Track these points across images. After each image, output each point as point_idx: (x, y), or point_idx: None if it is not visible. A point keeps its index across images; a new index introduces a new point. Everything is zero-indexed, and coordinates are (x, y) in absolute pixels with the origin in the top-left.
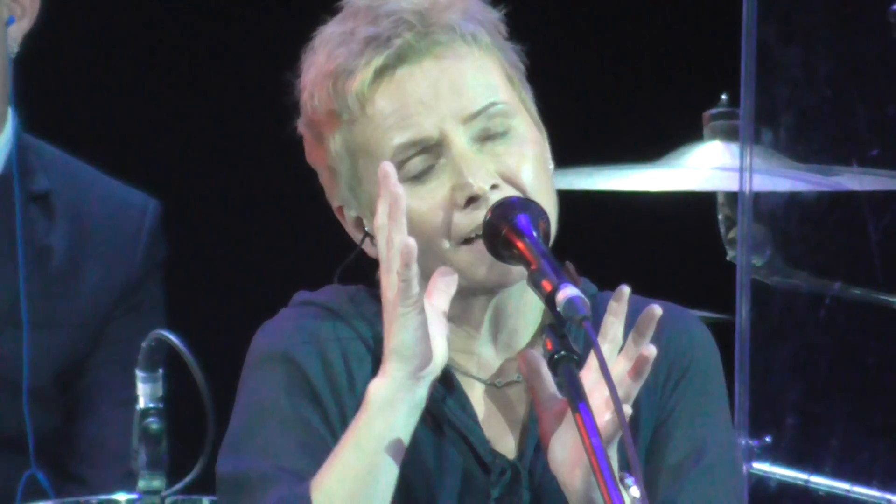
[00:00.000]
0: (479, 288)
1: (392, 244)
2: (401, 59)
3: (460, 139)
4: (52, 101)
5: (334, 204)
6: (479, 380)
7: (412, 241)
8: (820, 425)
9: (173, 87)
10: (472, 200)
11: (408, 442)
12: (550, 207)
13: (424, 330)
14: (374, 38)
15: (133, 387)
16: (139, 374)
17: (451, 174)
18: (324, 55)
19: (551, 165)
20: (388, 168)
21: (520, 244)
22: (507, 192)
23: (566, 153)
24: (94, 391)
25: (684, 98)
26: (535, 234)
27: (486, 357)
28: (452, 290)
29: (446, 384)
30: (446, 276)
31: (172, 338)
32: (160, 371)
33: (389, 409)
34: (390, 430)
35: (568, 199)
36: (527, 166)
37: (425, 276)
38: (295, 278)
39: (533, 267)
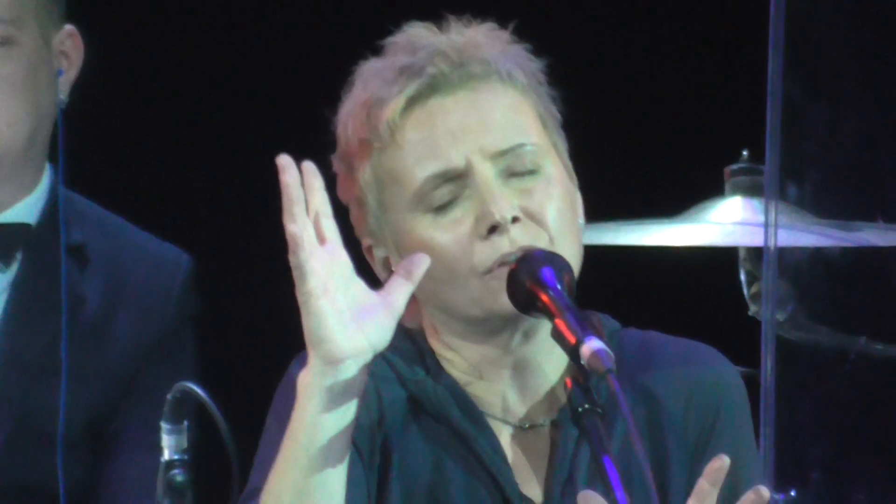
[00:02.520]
0: (500, 318)
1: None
2: (433, 88)
3: (486, 171)
4: (85, 155)
5: (364, 243)
6: (504, 422)
7: (296, 229)
8: (846, 480)
9: (206, 140)
10: (494, 230)
11: (348, 431)
12: (574, 252)
13: (328, 316)
14: (408, 68)
15: (157, 434)
16: (164, 426)
17: (474, 204)
18: (360, 87)
19: (581, 215)
20: (285, 161)
21: (544, 297)
22: (529, 226)
23: (589, 208)
24: (119, 438)
25: (706, 153)
26: (559, 286)
27: (510, 400)
28: (419, 274)
29: (477, 424)
30: (414, 260)
31: (198, 390)
32: (185, 423)
33: (314, 397)
34: (317, 418)
35: (590, 254)
36: (552, 206)
37: (447, 310)
38: None
39: (557, 320)
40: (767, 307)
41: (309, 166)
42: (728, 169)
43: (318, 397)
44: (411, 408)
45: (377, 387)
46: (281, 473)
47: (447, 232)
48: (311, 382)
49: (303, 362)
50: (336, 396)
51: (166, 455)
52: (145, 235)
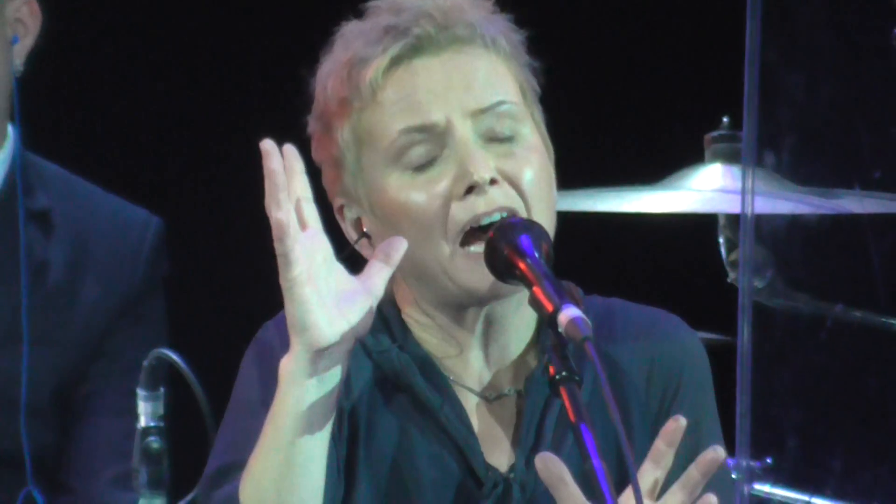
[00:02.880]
0: (471, 298)
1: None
2: (417, 49)
3: (466, 131)
4: (51, 119)
5: (336, 203)
6: (471, 391)
7: (283, 216)
8: (822, 447)
9: (176, 102)
10: (471, 190)
11: (330, 416)
12: (549, 220)
13: (313, 303)
14: (392, 28)
15: (129, 397)
16: (140, 392)
17: (452, 165)
18: (341, 47)
19: (554, 184)
20: (268, 146)
21: (521, 265)
22: (506, 189)
23: (568, 175)
24: (89, 401)
25: (686, 120)
26: (536, 254)
27: (478, 369)
28: (397, 257)
29: (442, 393)
30: (393, 244)
31: (174, 356)
32: (161, 390)
33: (296, 383)
34: (300, 404)
35: (569, 221)
36: (529, 171)
37: (419, 276)
38: None
39: (535, 287)
40: (744, 274)
41: (290, 150)
42: (708, 136)
43: (302, 384)
44: (377, 378)
45: (351, 369)
46: (262, 458)
47: (423, 191)
48: (294, 369)
49: (270, 330)
50: (320, 382)
51: (142, 422)
52: (114, 199)
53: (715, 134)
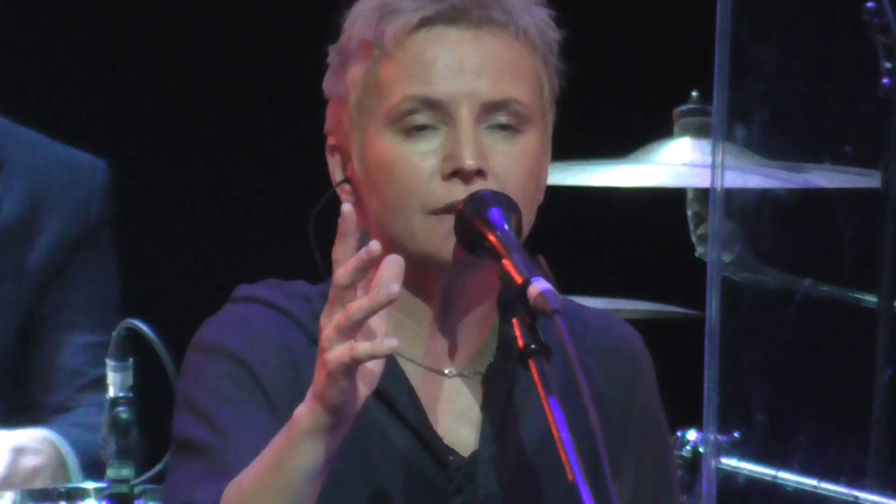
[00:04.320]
0: (434, 265)
1: (358, 310)
2: (449, 18)
3: (468, 116)
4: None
5: (329, 139)
6: (428, 369)
7: (388, 343)
8: (789, 421)
9: (119, 53)
10: (456, 175)
11: (331, 461)
12: (528, 224)
13: (352, 391)
14: None
15: (89, 312)
16: (109, 363)
17: (446, 142)
18: None
19: (542, 190)
20: (393, 290)
21: (491, 237)
22: (490, 185)
23: None
24: (50, 318)
25: (654, 94)
26: (506, 227)
27: (436, 346)
28: (395, 292)
29: (393, 373)
30: (389, 286)
31: (143, 327)
32: (130, 360)
33: (311, 440)
34: (311, 457)
35: None
36: (520, 172)
37: (388, 240)
38: (263, 265)
39: (504, 260)
40: (713, 248)
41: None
42: (677, 110)
43: (314, 440)
44: None
45: (288, 347)
46: (258, 497)
47: (411, 159)
48: (310, 427)
49: (213, 330)
50: (329, 433)
51: (111, 392)
52: (59, 145)
53: (684, 108)
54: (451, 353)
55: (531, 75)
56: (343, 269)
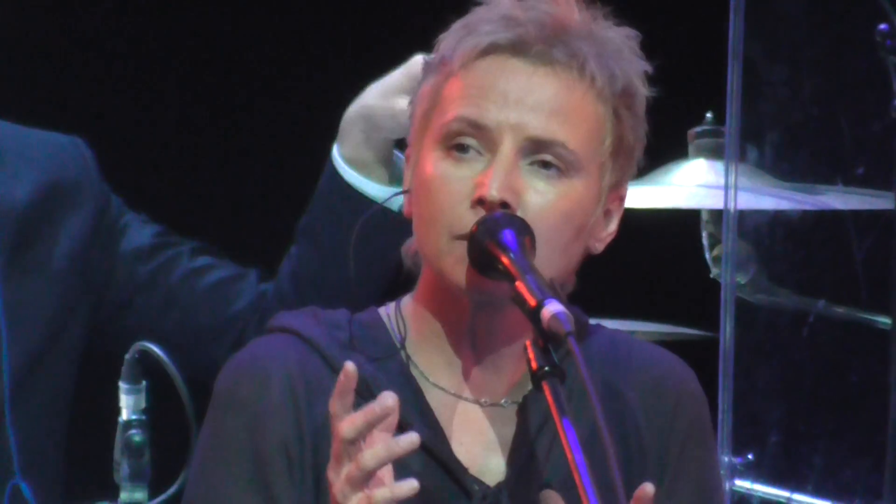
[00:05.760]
0: (450, 285)
1: (372, 458)
2: (515, 48)
3: (512, 147)
4: None
5: (408, 148)
6: (460, 397)
7: (409, 484)
8: (803, 443)
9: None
10: (478, 203)
11: None
12: (553, 269)
13: None
14: (507, 18)
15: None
16: (122, 385)
17: (483, 168)
18: (473, 13)
19: (578, 244)
20: (388, 401)
21: (504, 259)
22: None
23: None
24: (156, 280)
25: (669, 115)
26: (519, 249)
27: (472, 375)
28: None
29: (415, 401)
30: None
31: (156, 349)
32: (143, 383)
33: None
34: None
35: None
36: (552, 218)
37: (422, 254)
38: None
39: (517, 282)
40: (727, 270)
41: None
42: (692, 131)
43: None
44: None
45: (307, 383)
46: None
47: (447, 181)
48: None
49: (233, 375)
50: None
51: (124, 415)
52: (34, 131)
53: (698, 129)
54: (488, 382)
55: (589, 122)
56: (349, 424)
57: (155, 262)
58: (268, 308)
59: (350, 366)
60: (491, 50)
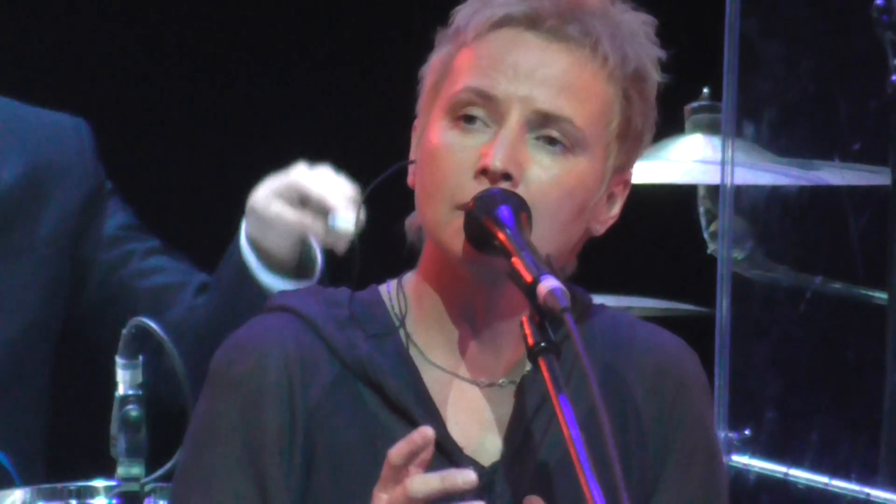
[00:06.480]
0: (448, 256)
1: (423, 484)
2: (529, 22)
3: (519, 119)
4: None
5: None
6: (459, 377)
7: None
8: (799, 419)
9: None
10: (482, 174)
11: None
12: (552, 248)
13: None
14: None
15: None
16: (119, 361)
17: (488, 139)
18: None
19: (579, 223)
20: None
21: (500, 235)
22: (518, 192)
23: None
24: (122, 266)
25: (666, 91)
26: (515, 225)
27: (470, 355)
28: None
29: (410, 381)
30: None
31: (152, 324)
32: (140, 358)
33: None
34: None
35: None
36: (555, 192)
37: (425, 227)
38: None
39: (513, 258)
40: (723, 245)
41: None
42: (688, 106)
43: None
44: (345, 383)
45: (302, 362)
46: None
47: (452, 151)
48: None
49: (230, 353)
50: None
51: (121, 390)
52: (40, 110)
53: (695, 104)
54: (487, 362)
55: (597, 101)
56: (396, 451)
57: (112, 255)
58: (197, 323)
59: (429, 432)
60: (505, 22)
